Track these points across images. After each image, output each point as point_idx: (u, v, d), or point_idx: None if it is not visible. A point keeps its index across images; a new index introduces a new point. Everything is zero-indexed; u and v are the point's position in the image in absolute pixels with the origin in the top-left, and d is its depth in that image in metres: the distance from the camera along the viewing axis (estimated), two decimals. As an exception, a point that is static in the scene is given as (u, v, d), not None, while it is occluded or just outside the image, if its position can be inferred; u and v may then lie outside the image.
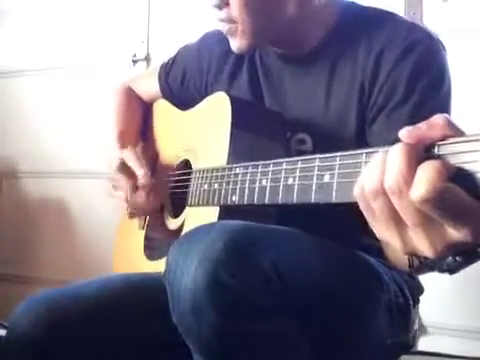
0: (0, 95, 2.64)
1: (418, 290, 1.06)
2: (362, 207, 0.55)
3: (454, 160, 0.49)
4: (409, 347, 1.05)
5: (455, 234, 0.50)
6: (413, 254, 0.55)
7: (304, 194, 0.68)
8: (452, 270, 0.62)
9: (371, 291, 0.90)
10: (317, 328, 0.79)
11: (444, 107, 0.95)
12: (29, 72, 2.58)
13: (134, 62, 2.35)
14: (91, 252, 2.36)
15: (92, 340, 0.96)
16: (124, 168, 1.18)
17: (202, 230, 0.78)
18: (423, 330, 1.81)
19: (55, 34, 2.52)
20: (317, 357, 0.79)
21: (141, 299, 1.01)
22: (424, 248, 0.52)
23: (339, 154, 0.62)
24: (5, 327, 1.76)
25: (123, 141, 1.28)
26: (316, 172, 0.66)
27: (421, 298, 1.08)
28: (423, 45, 0.96)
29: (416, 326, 1.05)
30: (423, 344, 1.79)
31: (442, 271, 0.63)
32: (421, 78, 0.94)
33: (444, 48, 0.99)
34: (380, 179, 0.52)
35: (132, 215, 1.25)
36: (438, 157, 0.50)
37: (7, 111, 2.61)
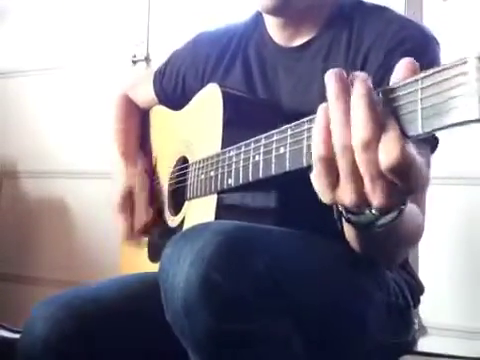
0: (0, 95, 2.64)
1: (419, 291, 1.06)
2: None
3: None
4: (409, 347, 1.05)
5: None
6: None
7: (296, 160, 0.68)
8: (369, 226, 0.64)
9: (369, 292, 0.89)
10: (314, 329, 0.79)
11: None
12: (29, 72, 2.58)
13: (134, 62, 2.35)
14: (91, 252, 2.36)
15: (116, 344, 0.95)
16: (128, 199, 1.21)
17: (196, 230, 0.78)
18: (423, 330, 1.81)
19: (55, 34, 2.52)
20: (313, 358, 0.79)
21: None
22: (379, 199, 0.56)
23: None
24: (11, 330, 1.74)
25: (124, 146, 1.30)
26: (306, 135, 0.66)
27: (421, 298, 1.08)
28: (415, 40, 0.95)
29: (416, 327, 1.05)
30: (423, 344, 1.79)
31: (363, 226, 0.65)
32: None
33: (438, 44, 0.98)
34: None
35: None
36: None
37: (7, 111, 2.61)
